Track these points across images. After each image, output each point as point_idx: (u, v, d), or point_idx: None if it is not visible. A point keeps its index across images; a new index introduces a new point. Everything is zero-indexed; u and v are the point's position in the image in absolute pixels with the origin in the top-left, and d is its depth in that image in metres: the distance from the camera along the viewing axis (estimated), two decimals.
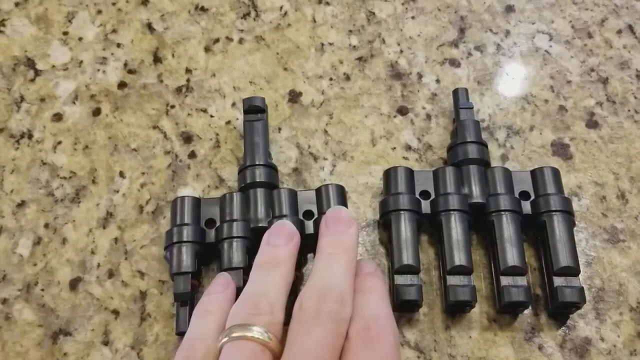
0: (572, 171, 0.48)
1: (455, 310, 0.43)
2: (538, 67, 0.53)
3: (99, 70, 0.54)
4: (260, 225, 0.43)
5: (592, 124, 0.51)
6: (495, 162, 0.49)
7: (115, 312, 0.44)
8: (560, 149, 0.49)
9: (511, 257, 0.41)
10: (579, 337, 0.42)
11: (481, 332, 0.43)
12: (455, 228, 0.42)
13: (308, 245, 0.45)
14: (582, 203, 0.47)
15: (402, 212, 0.43)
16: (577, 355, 0.42)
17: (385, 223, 0.44)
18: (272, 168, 0.46)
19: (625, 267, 0.45)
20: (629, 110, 0.51)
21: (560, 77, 0.53)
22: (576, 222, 0.46)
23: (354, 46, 0.55)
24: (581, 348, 0.42)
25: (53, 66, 0.54)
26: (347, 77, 0.53)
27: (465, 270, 0.41)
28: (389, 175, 0.45)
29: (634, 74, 0.53)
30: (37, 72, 0.54)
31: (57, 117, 0.52)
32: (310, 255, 0.46)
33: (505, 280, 0.41)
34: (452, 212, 0.43)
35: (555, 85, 0.52)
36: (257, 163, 0.45)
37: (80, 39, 0.55)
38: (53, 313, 0.44)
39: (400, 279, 0.41)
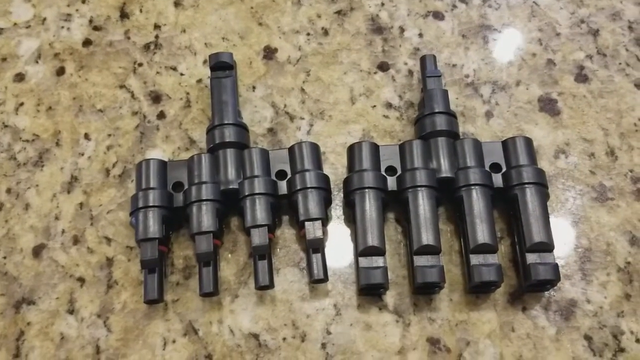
0: (559, 127, 0.46)
1: (424, 292, 0.41)
2: (526, 19, 0.51)
3: (63, 27, 0.51)
4: (230, 187, 0.41)
5: (581, 78, 0.48)
6: (479, 120, 0.47)
7: (81, 280, 0.42)
8: (548, 105, 0.47)
9: (481, 234, 0.39)
10: (564, 299, 0.41)
11: (462, 295, 0.41)
12: (423, 205, 0.40)
13: (282, 206, 0.43)
14: (569, 160, 0.45)
15: (366, 190, 0.41)
16: (562, 317, 0.40)
17: (349, 202, 0.42)
18: (242, 127, 0.43)
19: (614, 226, 0.43)
20: (620, 64, 0.49)
21: (549, 29, 0.50)
22: (563, 181, 0.44)
23: None
24: (566, 310, 0.40)
25: (15, 24, 0.51)
26: (326, 32, 0.50)
27: (432, 250, 0.39)
28: (352, 150, 0.43)
29: (626, 25, 0.50)
30: None
31: (19, 77, 0.49)
32: (284, 217, 0.43)
33: (475, 259, 0.39)
34: (419, 188, 0.40)
35: (543, 38, 0.50)
36: (225, 122, 0.43)
37: None
38: (16, 281, 0.42)
39: (364, 262, 0.39)
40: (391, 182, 0.42)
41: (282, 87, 0.48)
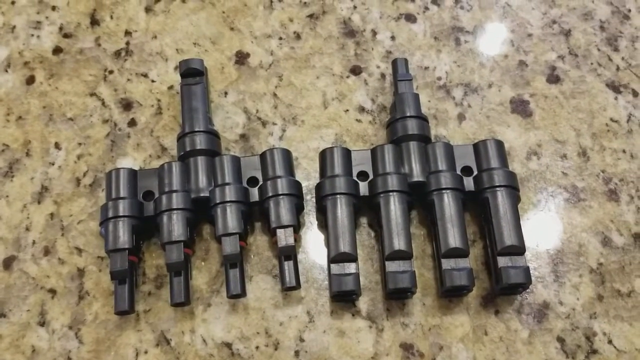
0: (531, 129, 0.46)
1: (396, 297, 0.40)
2: (497, 20, 0.51)
3: (32, 35, 0.50)
4: (201, 195, 0.41)
5: (553, 78, 0.48)
6: (451, 122, 0.47)
7: (52, 291, 0.42)
8: (520, 106, 0.47)
9: (452, 238, 0.39)
10: (537, 301, 0.41)
11: (435, 299, 0.41)
12: (394, 211, 0.40)
13: (254, 213, 0.43)
14: (541, 162, 0.45)
15: (338, 196, 0.40)
16: (535, 320, 0.40)
17: (321, 208, 0.42)
18: (212, 134, 0.43)
19: (586, 227, 0.43)
20: (591, 64, 0.49)
21: (521, 30, 0.50)
22: (535, 182, 0.44)
23: (305, 2, 0.51)
24: (539, 312, 0.41)
25: None
26: (298, 36, 0.50)
27: (404, 256, 0.39)
28: (324, 156, 0.43)
29: (597, 25, 0.50)
30: None
31: None
32: (257, 224, 0.43)
33: (446, 264, 0.39)
34: (390, 193, 0.40)
35: (515, 39, 0.50)
36: (196, 130, 0.42)
37: (12, 2, 0.52)
38: None
39: (336, 268, 0.39)
40: (363, 188, 0.42)
41: (254, 92, 0.48)
